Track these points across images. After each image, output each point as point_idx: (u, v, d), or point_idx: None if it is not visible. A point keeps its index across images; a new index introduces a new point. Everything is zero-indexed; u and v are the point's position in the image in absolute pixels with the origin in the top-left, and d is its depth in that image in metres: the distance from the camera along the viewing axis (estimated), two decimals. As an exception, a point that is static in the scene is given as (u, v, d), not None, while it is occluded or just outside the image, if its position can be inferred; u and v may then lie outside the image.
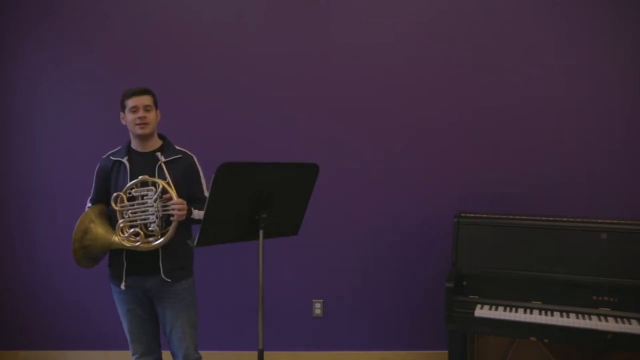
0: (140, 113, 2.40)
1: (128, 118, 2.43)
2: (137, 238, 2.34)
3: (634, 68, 3.36)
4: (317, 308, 3.59)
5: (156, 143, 2.51)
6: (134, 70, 3.52)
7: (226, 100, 3.53)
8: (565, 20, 3.40)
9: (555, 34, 3.41)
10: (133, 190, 2.36)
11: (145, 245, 2.33)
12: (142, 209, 2.34)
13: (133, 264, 2.41)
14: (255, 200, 2.08)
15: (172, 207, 2.31)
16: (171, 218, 2.32)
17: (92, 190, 2.53)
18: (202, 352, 2.60)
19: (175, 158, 2.47)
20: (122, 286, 2.42)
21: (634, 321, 2.61)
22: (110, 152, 2.54)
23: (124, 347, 3.53)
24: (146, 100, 2.43)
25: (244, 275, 3.48)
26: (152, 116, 2.44)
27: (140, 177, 2.36)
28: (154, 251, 2.38)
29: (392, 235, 3.53)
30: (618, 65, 3.37)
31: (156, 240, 2.33)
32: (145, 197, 2.35)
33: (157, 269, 2.40)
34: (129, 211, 2.35)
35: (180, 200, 2.33)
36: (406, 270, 3.53)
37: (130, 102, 2.41)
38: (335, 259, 3.56)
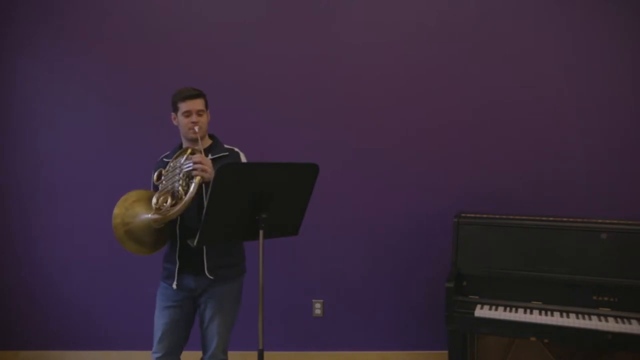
0: (194, 118, 2.40)
1: (181, 121, 2.43)
2: (166, 205, 2.26)
3: (634, 68, 3.36)
4: (317, 308, 3.59)
5: (206, 142, 2.50)
6: (134, 70, 3.52)
7: (226, 100, 3.53)
8: (565, 20, 3.40)
9: (556, 34, 3.41)
10: (171, 163, 2.37)
11: (172, 211, 2.23)
12: (171, 176, 2.33)
13: (184, 264, 2.41)
14: (255, 200, 2.08)
15: (193, 159, 2.26)
16: (193, 173, 2.26)
17: None
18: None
19: (222, 155, 2.47)
20: (174, 285, 2.42)
21: (634, 321, 2.61)
22: (163, 155, 2.55)
23: (124, 347, 3.56)
24: (199, 104, 2.42)
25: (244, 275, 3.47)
26: (205, 119, 2.45)
27: (177, 153, 2.38)
28: (201, 250, 2.37)
29: (392, 235, 3.53)
30: (618, 65, 3.37)
31: (177, 206, 2.23)
32: (175, 166, 2.34)
33: (202, 266, 2.39)
34: (162, 180, 2.35)
35: (202, 156, 2.28)
36: (406, 270, 3.53)
37: (184, 106, 2.40)
38: (335, 259, 3.56)
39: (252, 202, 2.08)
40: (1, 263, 3.63)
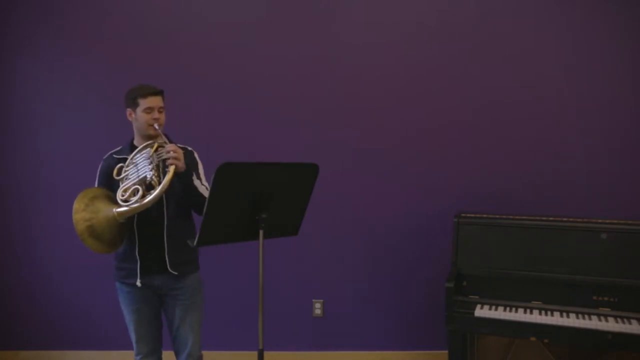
0: (155, 115, 2.39)
1: (140, 117, 2.40)
2: (135, 197, 2.25)
3: (634, 68, 3.36)
4: (317, 308, 3.59)
5: (160, 140, 2.47)
6: (134, 70, 3.51)
7: (226, 100, 3.53)
8: (565, 20, 3.40)
9: (556, 34, 3.41)
10: (134, 158, 2.36)
11: (145, 201, 2.22)
12: (139, 167, 2.32)
13: (145, 261, 2.40)
14: (255, 200, 2.08)
15: (167, 149, 2.28)
16: (167, 162, 2.28)
17: None
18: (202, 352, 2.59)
19: None
20: (138, 283, 2.40)
21: (634, 321, 2.61)
22: (112, 151, 2.52)
23: (124, 347, 3.55)
24: (160, 101, 2.42)
25: (244, 275, 3.48)
26: (164, 117, 2.44)
27: (141, 146, 2.37)
28: (162, 247, 2.38)
29: (392, 235, 3.53)
30: (618, 65, 3.37)
31: (151, 195, 2.23)
32: (142, 158, 2.33)
33: (164, 263, 2.39)
34: (127, 174, 2.33)
35: (175, 146, 2.31)
36: (406, 271, 3.53)
37: (145, 103, 2.38)
38: (335, 259, 3.56)
39: (252, 202, 2.07)
40: (1, 263, 3.63)
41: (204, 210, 2.00)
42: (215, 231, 2.10)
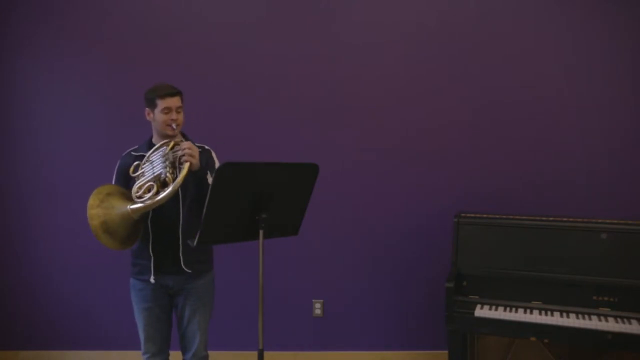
0: (173, 115, 2.39)
1: (158, 118, 2.41)
2: (149, 194, 2.26)
3: (634, 68, 3.36)
4: (317, 308, 3.59)
5: (177, 139, 2.48)
6: (134, 70, 3.52)
7: (226, 100, 3.53)
8: (565, 20, 3.40)
9: (556, 34, 3.41)
10: (151, 155, 2.37)
11: (158, 197, 2.23)
12: (154, 165, 2.33)
13: (159, 259, 2.40)
14: (255, 200, 2.08)
15: (182, 146, 2.29)
16: (182, 159, 2.28)
17: None
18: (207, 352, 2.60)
19: None
20: (152, 280, 2.40)
21: (634, 321, 2.61)
22: (131, 149, 2.52)
23: (124, 347, 3.56)
24: (178, 101, 2.42)
25: (244, 275, 3.48)
26: (182, 117, 2.44)
27: (157, 145, 2.38)
28: (176, 245, 2.38)
29: (392, 236, 3.53)
30: (618, 65, 3.37)
31: (164, 191, 2.24)
32: (157, 156, 2.34)
33: (178, 261, 2.39)
34: (143, 171, 2.34)
35: (190, 144, 2.32)
36: (406, 271, 3.53)
37: (163, 103, 2.38)
38: (335, 259, 3.56)
39: (252, 202, 2.08)
40: (1, 263, 3.62)
41: (204, 209, 2.00)
42: (215, 231, 2.10)
